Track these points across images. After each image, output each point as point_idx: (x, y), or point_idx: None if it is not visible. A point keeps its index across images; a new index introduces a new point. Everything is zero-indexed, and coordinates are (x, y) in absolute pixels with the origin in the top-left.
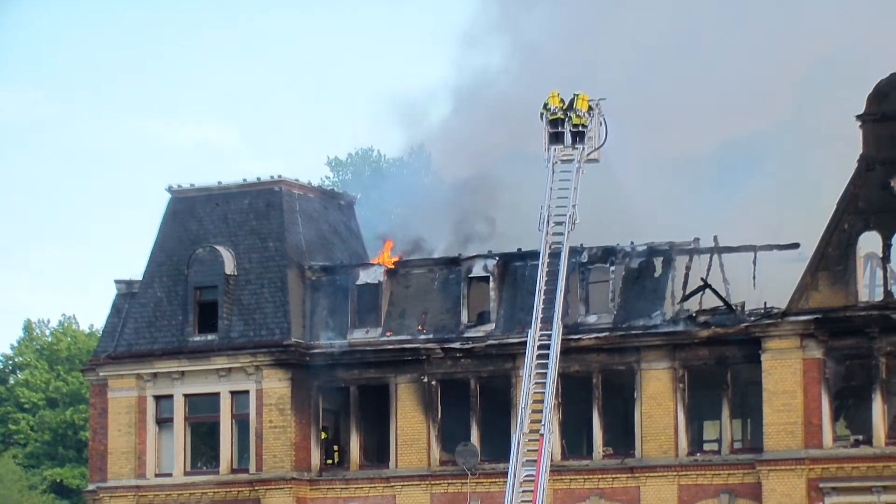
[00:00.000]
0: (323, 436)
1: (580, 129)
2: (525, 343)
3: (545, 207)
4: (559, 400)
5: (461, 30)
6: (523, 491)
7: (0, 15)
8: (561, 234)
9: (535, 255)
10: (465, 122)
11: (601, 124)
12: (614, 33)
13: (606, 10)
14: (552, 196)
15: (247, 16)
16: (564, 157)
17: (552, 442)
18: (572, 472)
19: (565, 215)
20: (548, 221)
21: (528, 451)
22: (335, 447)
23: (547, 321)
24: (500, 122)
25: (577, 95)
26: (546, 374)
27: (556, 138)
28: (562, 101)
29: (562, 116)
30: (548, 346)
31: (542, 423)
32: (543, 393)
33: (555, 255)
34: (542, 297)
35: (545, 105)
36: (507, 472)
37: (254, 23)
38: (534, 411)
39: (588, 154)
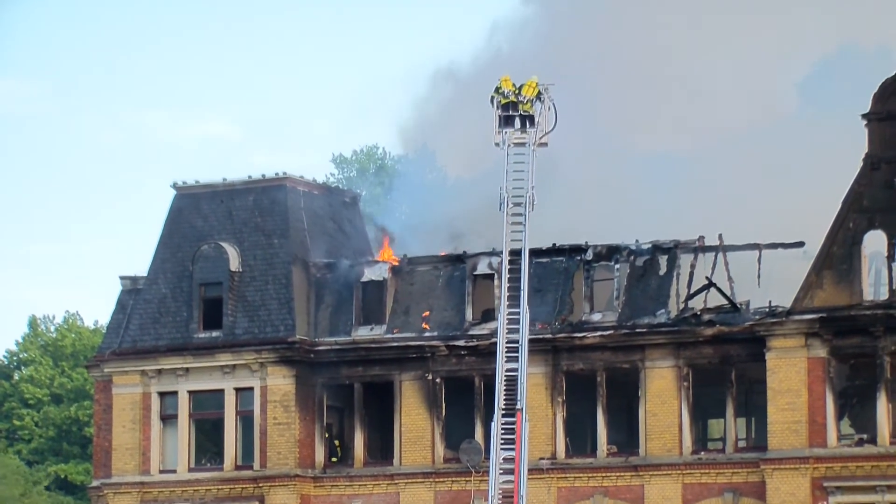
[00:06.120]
0: (327, 433)
1: (527, 114)
2: (531, 339)
3: (503, 189)
4: (563, 398)
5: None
6: (503, 472)
7: (3, 8)
8: (521, 214)
9: (540, 252)
10: (464, 117)
11: (550, 109)
12: (618, 32)
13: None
14: (508, 178)
15: (251, 10)
16: (517, 141)
17: (527, 415)
18: (576, 470)
19: (523, 196)
20: (507, 202)
21: (505, 433)
22: (339, 444)
23: (514, 299)
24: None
25: (526, 81)
26: (517, 348)
27: (507, 121)
28: (514, 85)
29: (513, 100)
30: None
31: (518, 398)
32: (517, 370)
33: (515, 253)
34: (508, 275)
35: (497, 89)
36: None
37: (258, 17)
38: (508, 390)
39: (539, 138)
